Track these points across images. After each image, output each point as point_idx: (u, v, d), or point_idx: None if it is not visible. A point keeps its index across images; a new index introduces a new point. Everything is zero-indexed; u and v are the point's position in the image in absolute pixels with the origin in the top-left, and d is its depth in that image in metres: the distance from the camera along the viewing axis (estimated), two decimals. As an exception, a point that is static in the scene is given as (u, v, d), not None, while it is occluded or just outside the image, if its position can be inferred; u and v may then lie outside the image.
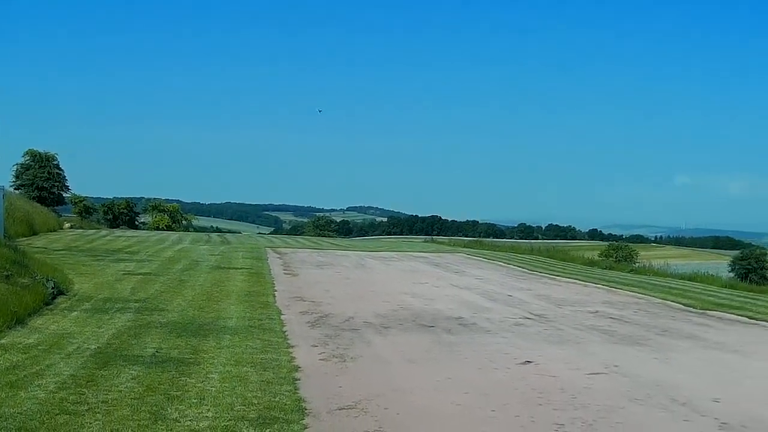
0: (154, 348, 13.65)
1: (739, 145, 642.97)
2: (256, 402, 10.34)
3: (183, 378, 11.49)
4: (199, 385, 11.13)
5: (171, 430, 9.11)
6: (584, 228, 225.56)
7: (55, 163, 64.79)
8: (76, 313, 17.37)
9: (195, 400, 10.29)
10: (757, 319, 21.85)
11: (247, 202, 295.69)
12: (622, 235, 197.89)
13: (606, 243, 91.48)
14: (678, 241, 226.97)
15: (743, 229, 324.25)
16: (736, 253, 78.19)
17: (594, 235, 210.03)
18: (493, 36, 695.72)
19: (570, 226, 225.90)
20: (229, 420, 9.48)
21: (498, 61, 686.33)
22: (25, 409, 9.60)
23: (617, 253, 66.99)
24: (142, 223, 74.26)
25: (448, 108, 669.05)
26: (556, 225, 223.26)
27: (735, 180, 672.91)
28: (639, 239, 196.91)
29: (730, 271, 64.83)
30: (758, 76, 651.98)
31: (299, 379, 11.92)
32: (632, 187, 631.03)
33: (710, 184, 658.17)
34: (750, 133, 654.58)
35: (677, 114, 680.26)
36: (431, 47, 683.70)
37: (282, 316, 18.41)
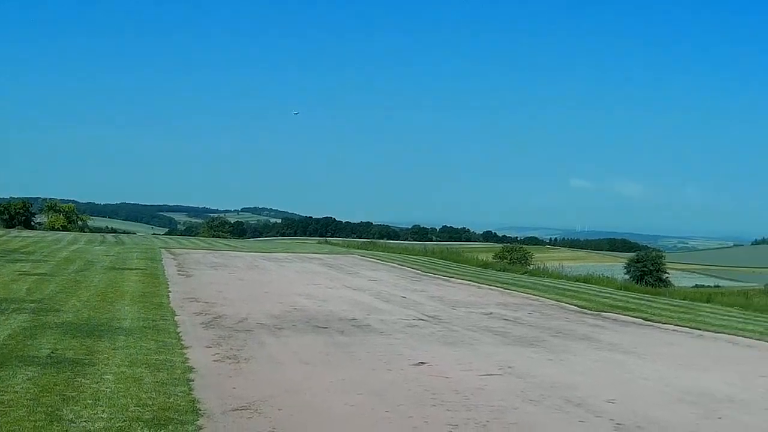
0: (49, 349, 13.53)
1: (635, 148, 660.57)
2: (150, 403, 10.35)
3: (78, 379, 11.44)
4: (95, 386, 11.10)
5: (66, 431, 9.07)
6: (479, 230, 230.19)
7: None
8: (-30, 314, 17.04)
9: (90, 401, 10.26)
10: (652, 321, 22.56)
11: (141, 203, 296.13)
12: (516, 237, 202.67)
13: (500, 245, 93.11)
14: (573, 244, 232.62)
15: (639, 231, 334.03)
16: (631, 255, 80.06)
17: (488, 236, 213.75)
18: (377, 33, 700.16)
19: (464, 227, 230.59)
20: (124, 421, 9.50)
21: (389, 60, 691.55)
22: None
23: (511, 255, 68.23)
24: (38, 223, 74.60)
25: (343, 109, 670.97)
26: (451, 227, 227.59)
27: (631, 182, 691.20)
28: (534, 241, 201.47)
29: (625, 274, 66.40)
30: (654, 80, 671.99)
31: (193, 380, 11.98)
32: (527, 189, 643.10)
33: (606, 186, 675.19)
34: (646, 136, 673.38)
35: (573, 116, 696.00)
36: (316, 48, 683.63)
37: (176, 317, 18.51)
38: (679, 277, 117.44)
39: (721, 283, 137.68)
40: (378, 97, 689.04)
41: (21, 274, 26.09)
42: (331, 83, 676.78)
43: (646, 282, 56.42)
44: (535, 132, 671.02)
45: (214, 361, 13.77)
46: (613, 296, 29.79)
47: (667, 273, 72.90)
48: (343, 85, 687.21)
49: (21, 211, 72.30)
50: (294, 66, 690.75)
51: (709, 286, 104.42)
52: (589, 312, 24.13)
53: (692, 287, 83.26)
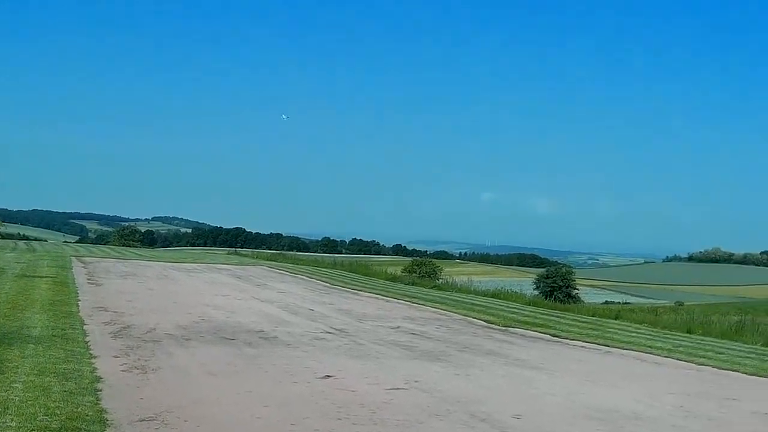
0: (-42, 357, 13.45)
1: (547, 162, 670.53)
2: (58, 412, 10.37)
3: (-13, 387, 11.47)
4: (3, 394, 11.08)
5: (-26, 439, 9.09)
6: (388, 243, 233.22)
7: None
8: None
9: (-1, 410, 10.34)
10: (560, 337, 23.08)
11: (53, 210, 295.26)
12: (426, 251, 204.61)
13: (410, 258, 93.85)
14: (483, 258, 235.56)
15: (550, 246, 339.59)
16: (541, 270, 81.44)
17: (398, 250, 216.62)
18: (286, 42, 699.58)
19: (374, 241, 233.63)
20: (32, 430, 9.56)
21: (290, 68, 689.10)
22: None
23: (421, 269, 68.70)
24: (-50, 229, 73.68)
25: (252, 119, 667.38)
26: (361, 240, 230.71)
27: (542, 197, 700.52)
28: (443, 255, 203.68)
29: (535, 289, 67.50)
30: (565, 94, 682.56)
31: (101, 390, 12.06)
32: (438, 203, 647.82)
33: (517, 201, 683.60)
34: (556, 152, 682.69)
35: (484, 130, 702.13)
36: (225, 53, 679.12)
37: (85, 326, 18.52)
38: (589, 294, 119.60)
39: (632, 300, 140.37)
40: (287, 108, 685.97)
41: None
42: (242, 92, 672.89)
43: (555, 298, 57.51)
44: (446, 145, 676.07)
45: (122, 371, 13.86)
46: (522, 312, 30.34)
47: (577, 289, 74.36)
48: (254, 94, 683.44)
49: (-67, 216, 71.90)
50: (201, 71, 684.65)
51: (619, 303, 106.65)
52: (496, 327, 24.60)
53: (602, 304, 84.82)
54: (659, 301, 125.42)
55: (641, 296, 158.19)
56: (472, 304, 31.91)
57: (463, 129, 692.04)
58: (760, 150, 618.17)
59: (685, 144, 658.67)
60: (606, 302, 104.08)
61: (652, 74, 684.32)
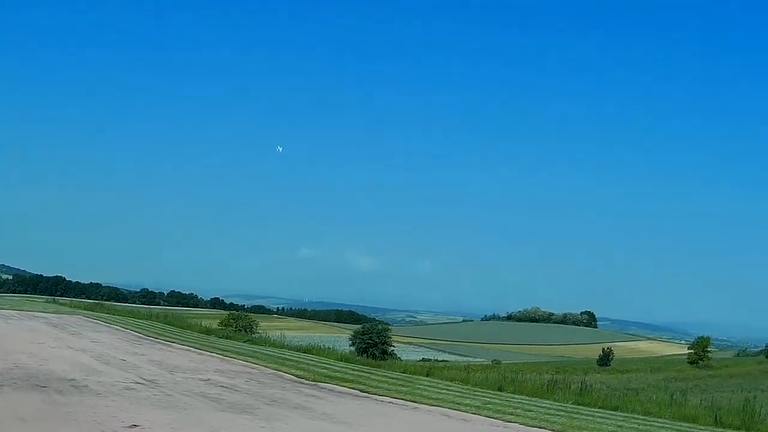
0: None
1: (363, 220, 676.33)
2: None
3: None
4: None
5: None
6: (207, 296, 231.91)
7: None
8: None
9: None
10: (369, 393, 23.95)
11: None
12: (244, 305, 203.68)
13: (227, 312, 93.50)
14: (301, 314, 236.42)
15: (368, 303, 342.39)
16: (357, 327, 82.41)
17: (216, 303, 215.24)
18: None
19: (192, 293, 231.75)
20: None
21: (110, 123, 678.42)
22: None
23: (237, 323, 68.50)
24: None
25: (72, 167, 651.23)
26: (179, 292, 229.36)
27: (361, 255, 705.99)
28: (261, 310, 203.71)
29: (350, 345, 68.24)
30: (380, 151, 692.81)
31: None
32: (258, 257, 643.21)
33: (336, 258, 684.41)
34: (374, 208, 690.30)
35: (303, 186, 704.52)
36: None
37: None
38: (406, 351, 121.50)
39: (449, 357, 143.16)
40: (103, 158, 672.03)
41: None
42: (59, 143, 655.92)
43: (370, 354, 58.44)
44: (265, 201, 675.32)
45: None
46: (333, 367, 31.11)
47: (393, 346, 75.32)
48: (67, 145, 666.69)
49: None
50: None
51: (435, 360, 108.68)
52: (306, 382, 25.31)
53: (419, 361, 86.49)
54: (477, 359, 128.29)
55: (459, 354, 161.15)
56: (284, 358, 32.56)
57: (284, 185, 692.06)
58: (579, 211, 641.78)
59: (502, 202, 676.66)
60: (423, 359, 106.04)
61: (458, 133, 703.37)
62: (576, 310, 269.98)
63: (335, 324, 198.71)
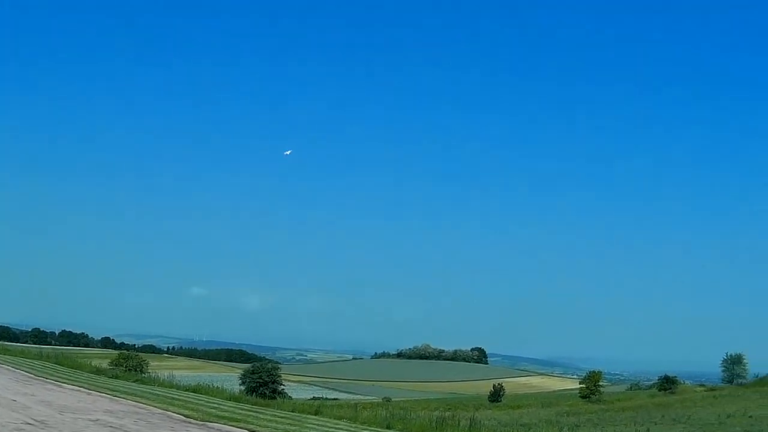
0: None
1: (253, 257, 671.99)
2: None
3: None
4: None
5: None
6: (98, 336, 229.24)
7: None
8: None
9: None
10: (257, 432, 24.06)
11: None
12: (134, 345, 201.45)
13: (118, 351, 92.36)
14: (191, 353, 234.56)
15: (258, 342, 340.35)
16: (248, 366, 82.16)
17: (107, 343, 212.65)
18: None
19: (83, 333, 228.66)
20: None
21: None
22: None
23: (127, 363, 67.81)
24: None
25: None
26: (70, 331, 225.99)
27: (252, 294, 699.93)
28: (152, 349, 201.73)
29: (241, 384, 68.03)
30: (270, 193, 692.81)
31: None
32: (148, 295, 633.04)
33: (227, 297, 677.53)
34: (264, 245, 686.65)
35: (193, 226, 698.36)
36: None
37: None
38: (297, 389, 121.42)
39: (340, 395, 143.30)
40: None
41: None
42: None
43: (260, 393, 58.42)
44: (155, 239, 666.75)
45: None
46: (222, 407, 31.14)
47: (283, 385, 75.54)
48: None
49: None
50: None
51: (326, 399, 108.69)
52: (194, 422, 25.35)
53: (309, 399, 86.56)
54: (367, 397, 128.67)
55: (349, 392, 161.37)
56: (173, 398, 32.44)
57: (174, 222, 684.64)
58: (469, 248, 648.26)
59: (390, 238, 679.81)
60: (313, 398, 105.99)
61: (340, 169, 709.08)
62: (466, 346, 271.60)
63: (226, 363, 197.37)
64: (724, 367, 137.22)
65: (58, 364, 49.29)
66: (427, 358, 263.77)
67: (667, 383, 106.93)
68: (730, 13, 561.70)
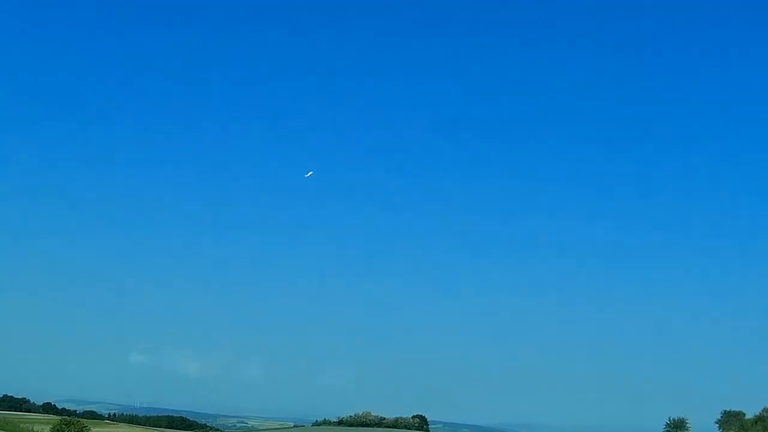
0: None
1: (193, 323, 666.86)
2: None
3: None
4: None
5: None
6: (39, 401, 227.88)
7: None
8: None
9: None
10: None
11: None
12: (76, 410, 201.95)
13: (60, 417, 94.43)
14: (132, 419, 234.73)
15: (199, 409, 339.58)
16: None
17: (48, 408, 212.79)
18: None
19: (25, 398, 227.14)
20: None
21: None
22: None
23: (69, 428, 71.09)
24: None
25: None
26: (12, 396, 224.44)
27: (193, 361, 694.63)
28: (93, 415, 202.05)
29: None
30: (214, 259, 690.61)
31: None
32: (89, 361, 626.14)
33: (168, 364, 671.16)
34: (204, 313, 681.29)
35: (131, 291, 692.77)
36: None
37: None
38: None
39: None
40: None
41: None
42: None
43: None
44: (97, 304, 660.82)
45: None
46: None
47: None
48: None
49: None
50: None
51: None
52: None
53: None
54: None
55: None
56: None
57: (113, 287, 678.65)
58: (409, 313, 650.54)
59: (332, 306, 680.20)
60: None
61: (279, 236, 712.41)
62: (407, 413, 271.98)
63: (166, 430, 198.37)
64: (667, 431, 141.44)
65: (1, 430, 51.31)
66: (368, 425, 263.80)
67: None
68: None
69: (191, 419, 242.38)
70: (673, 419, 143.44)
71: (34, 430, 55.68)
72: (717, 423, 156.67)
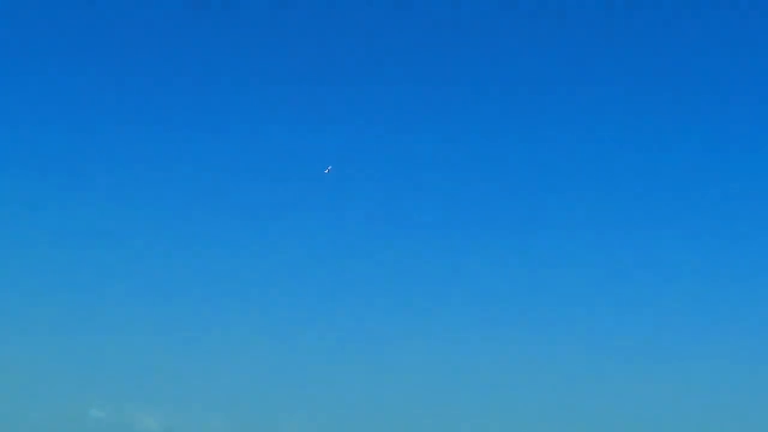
0: None
1: (154, 379, 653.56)
2: None
3: None
4: None
5: None
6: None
7: None
8: None
9: None
10: None
11: None
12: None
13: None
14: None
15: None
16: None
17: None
18: None
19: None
20: None
21: None
22: None
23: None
24: None
25: None
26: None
27: (150, 416, 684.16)
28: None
29: None
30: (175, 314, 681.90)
31: None
32: (46, 418, 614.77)
33: (125, 419, 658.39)
34: (165, 367, 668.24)
35: (92, 342, 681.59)
36: None
37: None
38: None
39: None
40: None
41: None
42: None
43: None
44: (53, 358, 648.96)
45: None
46: None
47: None
48: None
49: None
50: None
51: None
52: None
53: None
54: None
55: None
56: None
57: (73, 342, 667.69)
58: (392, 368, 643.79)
59: (296, 359, 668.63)
60: None
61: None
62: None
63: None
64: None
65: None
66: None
67: None
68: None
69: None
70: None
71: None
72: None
